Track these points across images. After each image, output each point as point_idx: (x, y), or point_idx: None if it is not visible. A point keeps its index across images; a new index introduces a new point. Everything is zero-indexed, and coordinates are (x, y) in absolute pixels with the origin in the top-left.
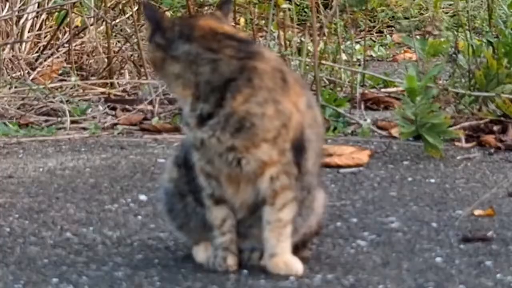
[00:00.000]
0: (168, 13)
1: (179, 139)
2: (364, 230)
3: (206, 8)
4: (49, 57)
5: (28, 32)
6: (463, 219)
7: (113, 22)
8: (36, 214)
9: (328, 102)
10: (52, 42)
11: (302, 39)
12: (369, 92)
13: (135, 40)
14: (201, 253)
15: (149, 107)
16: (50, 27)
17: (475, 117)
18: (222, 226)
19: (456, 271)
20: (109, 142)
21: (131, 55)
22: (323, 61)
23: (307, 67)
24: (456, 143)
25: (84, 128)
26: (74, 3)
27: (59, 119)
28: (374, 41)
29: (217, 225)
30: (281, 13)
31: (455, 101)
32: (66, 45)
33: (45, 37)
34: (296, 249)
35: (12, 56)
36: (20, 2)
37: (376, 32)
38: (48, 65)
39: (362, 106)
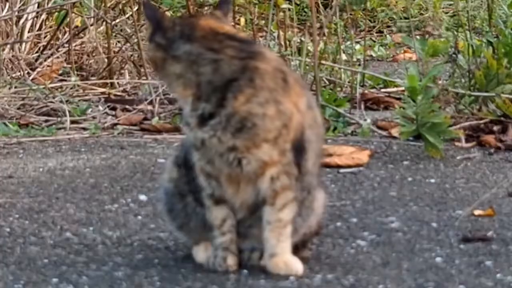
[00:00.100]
0: (168, 13)
1: (179, 139)
2: (364, 230)
3: (206, 8)
4: (49, 57)
5: (28, 32)
6: (463, 219)
7: (113, 22)
8: (36, 214)
9: (328, 102)
10: (52, 42)
11: (302, 39)
12: (369, 92)
13: (135, 40)
14: (201, 253)
15: (149, 107)
16: (50, 27)
17: (475, 117)
18: (222, 226)
19: (456, 271)
20: (109, 142)
21: (131, 55)
22: (323, 61)
23: (307, 67)
24: (456, 143)
25: (84, 128)
26: (74, 3)
27: (59, 119)
28: (374, 41)
29: (217, 225)
30: (281, 13)
31: (455, 101)
32: (66, 45)
33: (45, 37)
34: (296, 249)
35: (12, 56)
36: (20, 2)
37: (376, 32)
38: (48, 65)
39: (362, 106)
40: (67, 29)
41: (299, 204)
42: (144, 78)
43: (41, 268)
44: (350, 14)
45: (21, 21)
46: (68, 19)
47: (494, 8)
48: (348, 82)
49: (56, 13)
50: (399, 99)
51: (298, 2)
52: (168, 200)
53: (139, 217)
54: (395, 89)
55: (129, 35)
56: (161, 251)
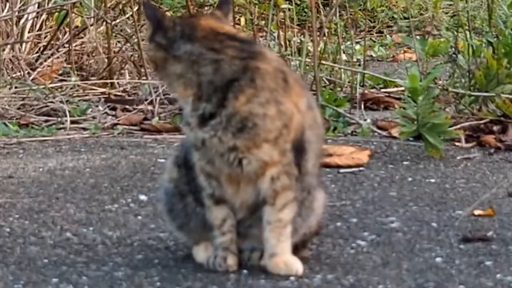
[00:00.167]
0: (168, 14)
1: (179, 139)
2: (364, 230)
3: (206, 8)
4: (49, 57)
5: (28, 32)
6: (463, 219)
7: (113, 22)
8: (36, 214)
9: (328, 102)
10: (52, 42)
11: (302, 39)
12: (369, 92)
13: (135, 40)
14: (201, 253)
15: (149, 107)
16: (50, 27)
17: (475, 117)
18: (222, 226)
19: (456, 271)
20: (109, 142)
21: (131, 55)
22: (323, 61)
23: (307, 67)
24: (456, 143)
25: (84, 128)
26: (74, 3)
27: (59, 119)
28: (374, 41)
29: (217, 225)
30: (281, 13)
31: (455, 101)
32: (66, 45)
33: (45, 38)
34: (296, 249)
35: (12, 56)
36: (20, 2)
37: (376, 32)
38: (48, 65)
39: (362, 106)
40: (67, 29)
41: (299, 204)
42: (144, 78)
43: (41, 268)
44: (350, 14)
45: (21, 21)
46: (68, 19)
47: (494, 8)
48: (348, 82)
49: (56, 13)
50: (399, 99)
51: (298, 2)
52: (168, 200)
53: (139, 217)
54: (395, 89)
55: (129, 35)
56: (161, 251)
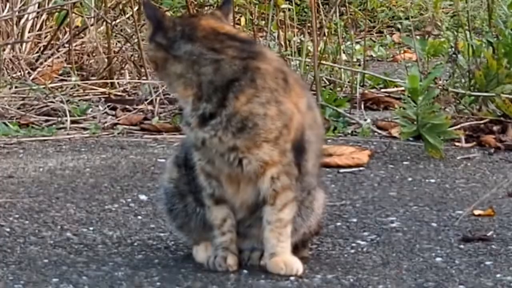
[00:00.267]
0: (168, 14)
1: (179, 139)
2: (364, 230)
3: (206, 8)
4: (49, 57)
5: (29, 32)
6: (463, 219)
7: (114, 22)
8: (36, 214)
9: (328, 102)
10: (52, 42)
11: (302, 39)
12: (369, 92)
13: (136, 40)
14: (201, 253)
15: (149, 107)
16: (51, 27)
17: (475, 117)
18: (222, 226)
19: (456, 271)
20: (109, 142)
21: (132, 55)
22: (323, 61)
23: (307, 67)
24: (456, 143)
25: (84, 128)
26: (74, 3)
27: (59, 119)
28: (374, 41)
29: (217, 225)
30: (281, 13)
31: (455, 101)
32: (67, 45)
33: (45, 37)
34: (296, 249)
35: (13, 56)
36: (21, 2)
37: (376, 32)
38: (49, 65)
39: (362, 106)
40: (67, 29)
41: (299, 204)
42: (144, 78)
43: (41, 268)
44: (350, 14)
45: (22, 21)
46: (68, 19)
47: (494, 8)
48: (348, 82)
49: (57, 13)
50: (399, 99)
51: (298, 2)
52: (168, 200)
53: (139, 217)
54: (395, 89)
55: (129, 35)
56: (161, 251)
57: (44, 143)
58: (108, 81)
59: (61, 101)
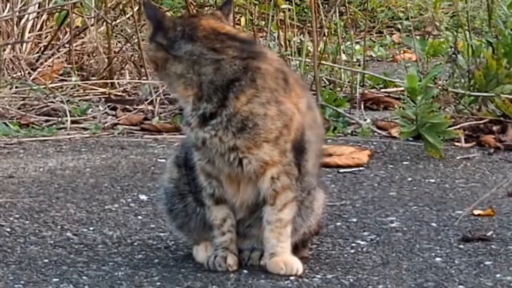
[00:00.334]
0: (168, 14)
1: (180, 139)
2: (364, 230)
3: (206, 8)
4: (49, 57)
5: (29, 32)
6: (463, 219)
7: (114, 23)
8: (36, 214)
9: (328, 102)
10: (52, 42)
11: (302, 39)
12: (369, 92)
13: (136, 41)
14: (201, 253)
15: (150, 107)
16: (51, 27)
17: (475, 117)
18: (222, 226)
19: (455, 271)
20: (110, 142)
21: (132, 55)
22: (323, 62)
23: (307, 67)
24: (456, 143)
25: (85, 128)
26: (74, 3)
27: (59, 119)
28: (374, 42)
29: (217, 225)
30: (281, 13)
31: (455, 101)
32: (67, 45)
33: (45, 38)
34: (296, 249)
35: (13, 56)
36: (21, 2)
37: (376, 33)
38: (49, 65)
39: (362, 106)
40: (67, 29)
41: (299, 204)
42: (145, 78)
43: (42, 268)
44: (350, 14)
45: (22, 21)
46: (68, 19)
47: (494, 8)
48: (348, 82)
49: (57, 14)
50: (398, 99)
51: (298, 2)
52: (168, 200)
53: (140, 217)
54: (394, 89)
55: (129, 35)
56: (161, 251)
57: (45, 143)
58: (108, 81)
59: (62, 101)
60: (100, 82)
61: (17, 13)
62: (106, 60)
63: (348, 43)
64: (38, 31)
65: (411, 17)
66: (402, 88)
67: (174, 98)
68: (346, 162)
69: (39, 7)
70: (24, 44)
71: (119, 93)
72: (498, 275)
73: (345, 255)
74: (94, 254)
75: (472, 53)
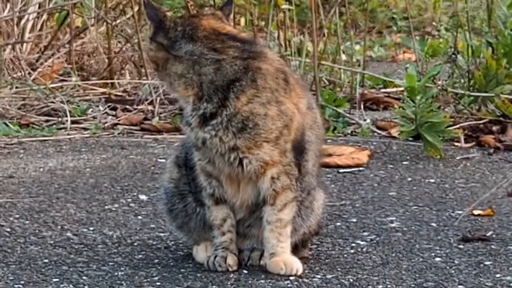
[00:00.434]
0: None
1: (180, 139)
2: (364, 230)
3: (206, 8)
4: (50, 57)
5: (29, 32)
6: (463, 219)
7: (114, 23)
8: (36, 214)
9: (328, 102)
10: (53, 42)
11: (302, 39)
12: (368, 93)
13: (136, 41)
14: (201, 253)
15: (150, 107)
16: (51, 27)
17: (474, 117)
18: (222, 226)
19: (455, 271)
20: (110, 142)
21: (132, 56)
22: (323, 62)
23: (307, 67)
24: (456, 143)
25: (85, 128)
26: (75, 4)
27: (59, 119)
28: (374, 42)
29: (217, 225)
30: (281, 14)
31: (455, 101)
32: (67, 45)
33: (46, 38)
34: (296, 249)
35: (13, 56)
36: (21, 2)
37: (376, 33)
38: (49, 66)
39: (362, 106)
40: (68, 29)
41: (299, 204)
42: (145, 78)
43: (42, 268)
44: (350, 15)
45: (22, 21)
46: (69, 19)
47: (494, 8)
48: (348, 82)
49: (57, 14)
50: (398, 99)
51: (297, 3)
52: (168, 200)
53: (140, 217)
54: (394, 89)
55: (129, 35)
56: (161, 251)
57: (45, 143)
58: (109, 81)
59: (62, 101)
60: (100, 82)
61: (17, 13)
62: (106, 60)
63: (348, 43)
64: (38, 31)
65: (411, 17)
66: (401, 88)
67: (174, 98)
68: (346, 162)
69: (39, 7)
70: (24, 44)
71: (119, 93)
72: (497, 275)
73: (345, 255)
74: (94, 254)
75: (472, 53)
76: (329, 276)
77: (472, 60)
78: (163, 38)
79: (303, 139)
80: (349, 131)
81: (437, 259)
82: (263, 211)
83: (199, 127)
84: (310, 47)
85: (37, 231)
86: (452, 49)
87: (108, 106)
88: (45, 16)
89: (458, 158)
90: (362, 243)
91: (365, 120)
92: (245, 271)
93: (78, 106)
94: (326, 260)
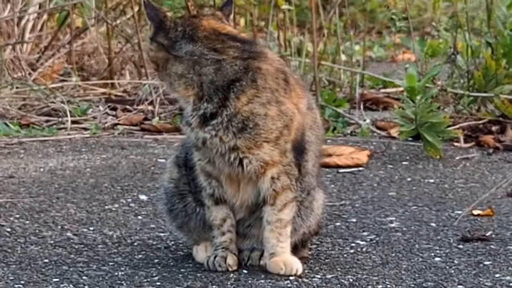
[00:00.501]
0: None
1: (180, 139)
2: (364, 230)
3: (206, 8)
4: (50, 57)
5: (30, 33)
6: (462, 219)
7: (114, 23)
8: (36, 214)
9: (328, 103)
10: (53, 43)
11: (302, 38)
12: (368, 93)
13: (136, 41)
14: (201, 253)
15: (150, 108)
16: (51, 28)
17: (474, 118)
18: (221, 226)
19: (455, 271)
20: (110, 142)
21: (132, 56)
22: (323, 62)
23: (307, 67)
24: (455, 143)
25: (85, 129)
26: (75, 4)
27: (60, 119)
28: (373, 42)
29: (217, 225)
30: (281, 14)
31: (454, 102)
32: (67, 46)
33: (46, 38)
34: (296, 249)
35: (14, 56)
36: (22, 3)
37: (375, 33)
38: (49, 66)
39: (362, 107)
40: (68, 30)
41: (299, 205)
42: (145, 78)
43: (42, 268)
44: (350, 15)
45: (23, 22)
46: (69, 20)
47: (493, 9)
48: (348, 82)
49: (57, 14)
50: (398, 99)
51: (297, 3)
52: (168, 200)
53: (140, 217)
54: (394, 89)
55: (129, 35)
56: (161, 251)
57: (45, 143)
58: (109, 81)
59: (62, 102)
60: (101, 83)
61: (18, 14)
62: (107, 60)
63: (348, 43)
64: (38, 31)
65: (411, 17)
66: (401, 89)
67: (174, 99)
68: (345, 162)
69: (39, 8)
70: (25, 45)
71: (119, 94)
72: (497, 275)
73: (345, 255)
74: (94, 254)
75: (472, 53)
76: (329, 276)
77: (471, 60)
78: (163, 38)
79: (303, 139)
80: (349, 131)
81: (437, 259)
82: (263, 211)
83: (200, 127)
84: (310, 47)
85: (37, 231)
86: (452, 50)
87: (108, 106)
88: (45, 17)
89: (457, 158)
90: (361, 243)
91: (364, 120)
92: (245, 271)
93: (78, 106)
94: (326, 260)
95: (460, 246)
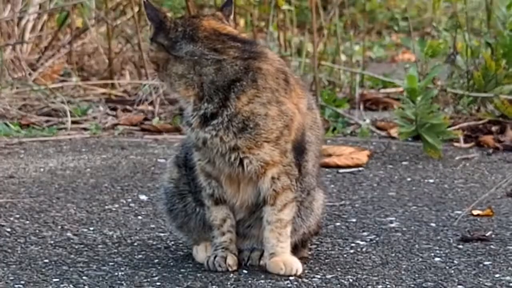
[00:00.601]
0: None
1: (180, 139)
2: (363, 230)
3: (206, 9)
4: (50, 58)
5: (30, 33)
6: (462, 219)
7: (114, 23)
8: (37, 214)
9: (328, 103)
10: (53, 43)
11: (302, 39)
12: (368, 93)
13: (136, 41)
14: (201, 253)
15: (150, 108)
16: (52, 28)
17: (474, 118)
18: (221, 226)
19: (455, 271)
20: (110, 142)
21: (132, 56)
22: (323, 62)
23: (307, 68)
24: (455, 144)
25: (85, 129)
26: (75, 4)
27: (60, 119)
28: (373, 42)
29: (217, 225)
30: (281, 15)
31: (454, 102)
32: (67, 46)
33: (46, 38)
34: (296, 249)
35: (14, 57)
36: (22, 3)
37: (375, 33)
38: (50, 66)
39: (361, 107)
40: (68, 30)
41: (299, 205)
42: (145, 78)
43: (42, 268)
44: (349, 16)
45: (23, 22)
46: (69, 20)
47: (493, 9)
48: (347, 82)
49: (57, 15)
50: (398, 99)
51: (297, 4)
52: (168, 200)
53: (140, 217)
54: (394, 89)
55: (130, 36)
56: (161, 251)
57: (45, 144)
58: (109, 81)
59: (62, 102)
60: (101, 83)
61: (18, 14)
62: (107, 60)
63: (348, 43)
64: (38, 32)
65: (411, 17)
66: (401, 89)
67: (174, 99)
68: (345, 162)
69: (39, 8)
70: (25, 45)
71: (119, 94)
72: (497, 275)
73: (345, 255)
74: (94, 254)
75: (471, 53)
76: (328, 276)
77: (471, 60)
78: (163, 39)
79: (304, 140)
80: (349, 131)
81: (437, 259)
82: (263, 211)
83: (200, 127)
84: (310, 48)
85: (37, 231)
86: (451, 50)
87: (109, 107)
88: (45, 17)
89: (457, 158)
90: (361, 243)
91: (364, 120)
92: (245, 271)
93: (79, 106)
94: (326, 260)
95: (460, 246)
